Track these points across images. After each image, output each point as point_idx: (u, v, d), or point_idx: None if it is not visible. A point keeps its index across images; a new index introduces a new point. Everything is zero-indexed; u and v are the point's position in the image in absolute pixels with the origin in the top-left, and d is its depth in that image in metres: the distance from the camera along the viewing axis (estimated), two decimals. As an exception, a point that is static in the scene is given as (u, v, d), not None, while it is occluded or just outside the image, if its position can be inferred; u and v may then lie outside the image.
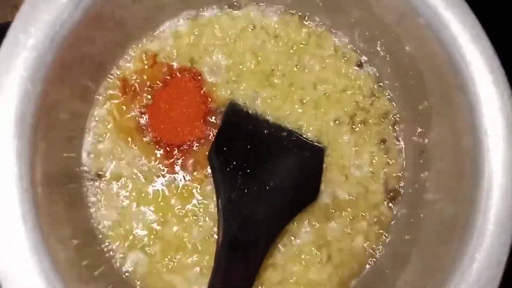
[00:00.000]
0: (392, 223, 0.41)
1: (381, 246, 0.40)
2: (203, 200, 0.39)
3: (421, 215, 0.38)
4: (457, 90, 0.34)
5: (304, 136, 0.41)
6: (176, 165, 0.40)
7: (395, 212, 0.41)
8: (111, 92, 0.40)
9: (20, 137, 0.29)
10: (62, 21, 0.29)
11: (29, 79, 0.29)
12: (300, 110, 0.42)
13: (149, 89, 0.40)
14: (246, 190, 0.37)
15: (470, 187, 0.33)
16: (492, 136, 0.32)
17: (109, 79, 0.40)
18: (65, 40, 0.30)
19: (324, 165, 0.41)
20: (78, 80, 0.36)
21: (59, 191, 0.35)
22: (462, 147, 0.34)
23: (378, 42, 0.40)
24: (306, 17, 0.42)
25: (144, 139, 0.40)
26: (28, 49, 0.29)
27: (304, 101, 0.42)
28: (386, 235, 0.41)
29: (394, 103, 0.42)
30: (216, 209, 0.37)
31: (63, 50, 0.30)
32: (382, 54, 0.40)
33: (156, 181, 0.39)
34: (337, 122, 0.42)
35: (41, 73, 0.29)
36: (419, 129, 0.40)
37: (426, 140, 0.39)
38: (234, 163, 0.38)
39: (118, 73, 0.40)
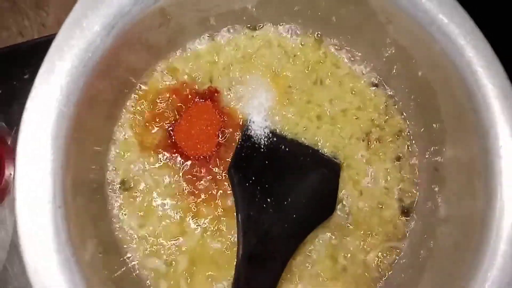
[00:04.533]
0: (405, 239, 0.42)
1: (395, 262, 0.41)
2: (223, 214, 0.41)
3: (435, 232, 0.39)
4: (470, 113, 0.35)
5: (320, 151, 0.42)
6: (197, 179, 0.41)
7: (409, 228, 0.42)
8: (135, 109, 0.42)
9: (55, 157, 0.30)
10: (94, 47, 0.31)
11: (63, 102, 0.31)
12: (317, 126, 0.43)
13: (171, 107, 0.42)
14: (264, 206, 0.38)
15: (483, 207, 0.34)
16: (505, 159, 0.33)
17: (134, 97, 0.42)
18: (96, 65, 0.32)
19: (340, 180, 0.42)
20: (106, 99, 0.38)
21: (86, 204, 0.37)
22: (475, 168, 0.35)
23: (393, 63, 0.41)
24: (323, 37, 0.44)
25: (166, 154, 0.42)
26: (63, 74, 0.30)
27: (321, 117, 0.43)
28: (400, 251, 0.42)
29: (408, 122, 0.43)
30: (236, 223, 0.38)
31: (94, 74, 0.32)
32: (397, 75, 0.42)
33: (177, 194, 0.41)
34: (353, 138, 0.43)
35: (74, 96, 0.31)
36: (433, 148, 0.41)
37: (440, 159, 0.40)
38: (253, 178, 0.39)
39: (142, 91, 0.42)
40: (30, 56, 0.52)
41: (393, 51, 0.40)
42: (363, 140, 0.43)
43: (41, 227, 0.29)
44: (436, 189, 0.40)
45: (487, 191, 0.34)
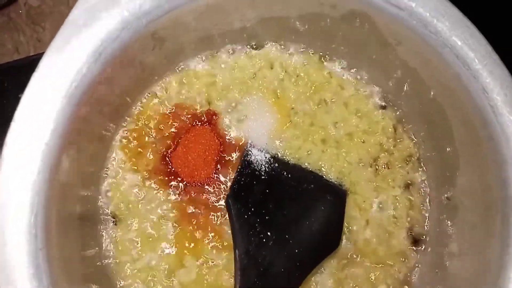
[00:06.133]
0: (415, 271, 0.39)
1: (404, 296, 0.39)
2: (222, 245, 0.38)
3: (447, 266, 0.37)
4: (486, 140, 0.32)
5: (325, 177, 0.40)
6: (194, 208, 0.39)
7: (419, 260, 0.39)
8: (128, 134, 0.40)
9: (37, 192, 0.28)
10: (81, 76, 0.29)
11: (46, 137, 0.29)
12: (321, 151, 0.41)
13: (167, 131, 0.40)
14: (264, 240, 0.36)
15: (500, 245, 0.31)
16: (524, 193, 0.30)
17: (127, 121, 0.40)
18: (84, 94, 0.30)
19: (346, 209, 0.40)
20: (96, 127, 0.36)
21: (73, 232, 0.35)
22: (491, 199, 0.33)
23: (402, 84, 0.39)
24: (327, 57, 0.41)
25: (161, 180, 0.39)
26: (48, 104, 0.28)
27: (325, 141, 0.41)
28: (410, 284, 0.39)
29: (419, 146, 0.41)
30: (233, 258, 0.36)
31: (82, 102, 0.30)
32: (407, 96, 0.39)
33: (172, 224, 0.39)
34: (359, 163, 0.41)
35: (60, 128, 0.29)
36: (445, 174, 0.38)
37: (453, 188, 0.37)
38: (252, 209, 0.37)
39: (136, 114, 0.40)
40: (26, 73, 0.50)
41: (402, 72, 0.38)
42: (370, 166, 0.41)
43: (21, 271, 0.27)
44: (448, 220, 0.38)
45: (504, 226, 0.31)
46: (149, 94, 0.40)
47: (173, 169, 0.39)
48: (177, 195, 0.39)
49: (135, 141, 0.40)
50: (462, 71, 0.31)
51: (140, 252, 0.38)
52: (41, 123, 0.28)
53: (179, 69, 0.41)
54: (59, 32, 0.28)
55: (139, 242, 0.39)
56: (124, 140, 0.40)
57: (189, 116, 0.40)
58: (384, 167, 0.41)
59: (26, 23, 0.55)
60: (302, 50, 0.41)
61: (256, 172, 0.39)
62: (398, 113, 0.41)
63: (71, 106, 0.29)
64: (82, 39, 0.29)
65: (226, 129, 0.40)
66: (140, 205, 0.39)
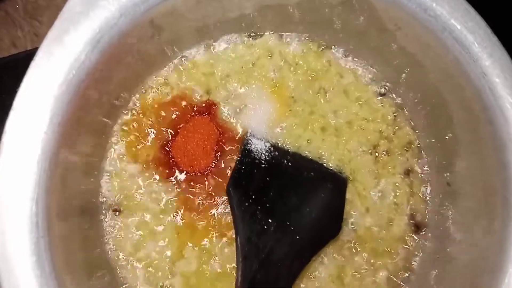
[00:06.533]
0: (417, 259, 0.39)
1: (405, 282, 0.39)
2: (223, 234, 0.38)
3: (448, 251, 0.37)
4: (486, 124, 0.32)
5: (325, 165, 0.40)
6: (194, 197, 0.39)
7: (420, 246, 0.39)
8: (128, 125, 0.40)
9: (38, 181, 0.28)
10: (79, 64, 0.29)
11: (45, 124, 0.29)
12: (321, 139, 0.40)
13: (167, 121, 0.40)
14: (265, 227, 0.36)
15: (500, 229, 0.31)
16: (525, 176, 0.30)
17: (126, 112, 0.40)
18: (82, 82, 0.30)
19: (346, 196, 0.40)
20: (95, 117, 0.36)
21: (73, 221, 0.35)
22: (491, 184, 0.33)
23: (401, 71, 0.39)
24: (326, 45, 0.41)
25: (161, 171, 0.39)
26: (46, 92, 0.28)
27: (325, 129, 0.41)
28: (411, 270, 0.39)
29: (418, 133, 0.41)
30: (235, 246, 0.36)
31: (80, 92, 0.30)
32: (406, 83, 0.39)
33: (173, 214, 0.39)
34: (359, 151, 0.40)
35: (58, 117, 0.29)
36: (445, 160, 0.38)
37: (453, 173, 0.37)
38: (253, 197, 0.37)
39: (136, 105, 0.40)
40: (24, 68, 0.50)
41: (402, 58, 0.37)
42: (370, 153, 0.41)
43: (22, 259, 0.27)
44: (448, 205, 0.38)
45: (504, 210, 0.31)
46: (148, 84, 0.40)
47: (173, 159, 0.39)
48: (177, 185, 0.39)
49: (135, 132, 0.40)
50: (461, 55, 0.31)
51: (140, 242, 0.38)
52: (39, 111, 0.28)
53: (178, 59, 0.41)
54: (57, 21, 0.28)
55: (139, 232, 0.38)
56: (123, 130, 0.40)
57: (188, 106, 0.40)
58: (384, 154, 0.41)
59: (23, 17, 0.55)
60: (300, 38, 0.41)
61: (256, 161, 0.39)
62: (397, 100, 0.41)
63: (70, 94, 0.29)
64: (79, 27, 0.29)
65: (226, 118, 0.40)
66: (140, 195, 0.39)
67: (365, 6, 0.34)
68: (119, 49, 0.32)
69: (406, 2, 0.32)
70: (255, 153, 0.39)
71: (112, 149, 0.39)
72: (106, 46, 0.30)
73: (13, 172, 0.28)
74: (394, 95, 0.41)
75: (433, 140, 0.39)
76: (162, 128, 0.40)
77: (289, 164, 0.39)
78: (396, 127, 0.41)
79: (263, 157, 0.39)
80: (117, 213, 0.39)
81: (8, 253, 0.27)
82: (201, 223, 0.39)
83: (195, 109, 0.40)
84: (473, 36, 0.31)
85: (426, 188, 0.40)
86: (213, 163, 0.39)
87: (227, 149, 0.40)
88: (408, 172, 0.40)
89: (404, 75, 0.39)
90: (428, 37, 0.32)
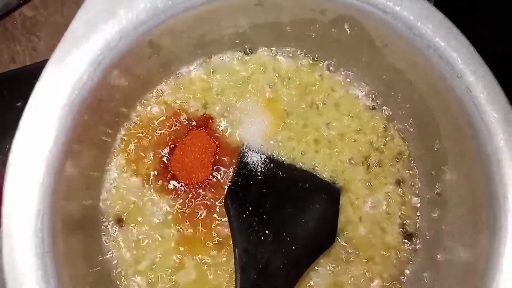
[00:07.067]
0: (409, 265, 0.41)
1: (398, 290, 0.40)
2: (221, 245, 0.40)
3: (439, 259, 0.38)
4: (471, 139, 0.33)
5: (319, 176, 0.41)
6: (193, 209, 0.40)
7: (412, 254, 0.41)
8: (128, 140, 0.41)
9: (42, 197, 0.29)
10: (81, 85, 0.30)
11: (49, 144, 0.30)
12: (314, 151, 0.42)
13: (165, 135, 0.41)
14: (262, 238, 0.37)
15: (488, 237, 0.32)
16: (509, 187, 0.32)
17: (126, 127, 0.41)
18: (84, 102, 0.31)
19: (339, 206, 0.41)
20: (97, 133, 0.37)
21: (76, 235, 0.36)
22: (478, 195, 0.34)
23: (391, 85, 0.40)
24: (318, 60, 0.43)
25: (160, 184, 0.41)
26: (50, 113, 0.30)
27: (318, 141, 0.42)
28: (404, 277, 0.41)
29: (408, 144, 0.42)
30: (233, 257, 0.37)
31: (82, 111, 0.31)
32: (396, 97, 0.40)
33: (172, 224, 0.40)
34: (352, 162, 0.42)
35: (62, 136, 0.30)
36: (435, 171, 0.40)
37: (443, 184, 0.39)
38: (250, 209, 0.38)
39: (135, 120, 0.41)
40: (23, 83, 0.51)
41: (390, 74, 0.39)
42: (362, 164, 0.42)
43: (29, 275, 0.28)
44: (439, 215, 0.39)
45: (491, 221, 0.32)
46: (147, 100, 0.42)
47: (172, 172, 0.41)
48: (176, 197, 0.40)
49: (135, 146, 0.41)
50: (446, 71, 0.33)
51: (141, 254, 0.39)
52: (44, 131, 0.29)
53: (175, 75, 0.42)
54: (60, 43, 0.29)
55: (140, 244, 0.40)
56: (123, 145, 0.41)
57: (186, 120, 0.42)
58: (376, 165, 0.42)
59: (22, 33, 0.56)
60: (293, 54, 0.43)
61: (253, 173, 0.40)
62: (387, 113, 0.42)
63: (73, 113, 0.30)
64: (82, 50, 0.30)
65: (222, 132, 0.42)
66: (141, 208, 0.40)
67: (355, 24, 0.36)
68: (119, 69, 0.34)
69: (392, 21, 0.33)
70: (251, 165, 0.40)
71: (113, 163, 0.41)
72: (107, 67, 0.32)
73: (19, 189, 0.29)
74: (384, 108, 0.43)
75: (423, 151, 0.41)
76: (160, 143, 0.41)
77: (285, 175, 0.41)
78: (387, 139, 0.42)
79: (259, 169, 0.40)
80: (118, 225, 0.40)
81: (17, 269, 0.28)
82: (200, 234, 0.40)
83: (192, 123, 0.42)
84: (456, 53, 0.32)
85: (417, 198, 0.42)
86: (210, 176, 0.41)
87: (224, 161, 0.41)
88: (399, 182, 0.42)
89: (393, 89, 0.40)
90: (414, 54, 0.34)
